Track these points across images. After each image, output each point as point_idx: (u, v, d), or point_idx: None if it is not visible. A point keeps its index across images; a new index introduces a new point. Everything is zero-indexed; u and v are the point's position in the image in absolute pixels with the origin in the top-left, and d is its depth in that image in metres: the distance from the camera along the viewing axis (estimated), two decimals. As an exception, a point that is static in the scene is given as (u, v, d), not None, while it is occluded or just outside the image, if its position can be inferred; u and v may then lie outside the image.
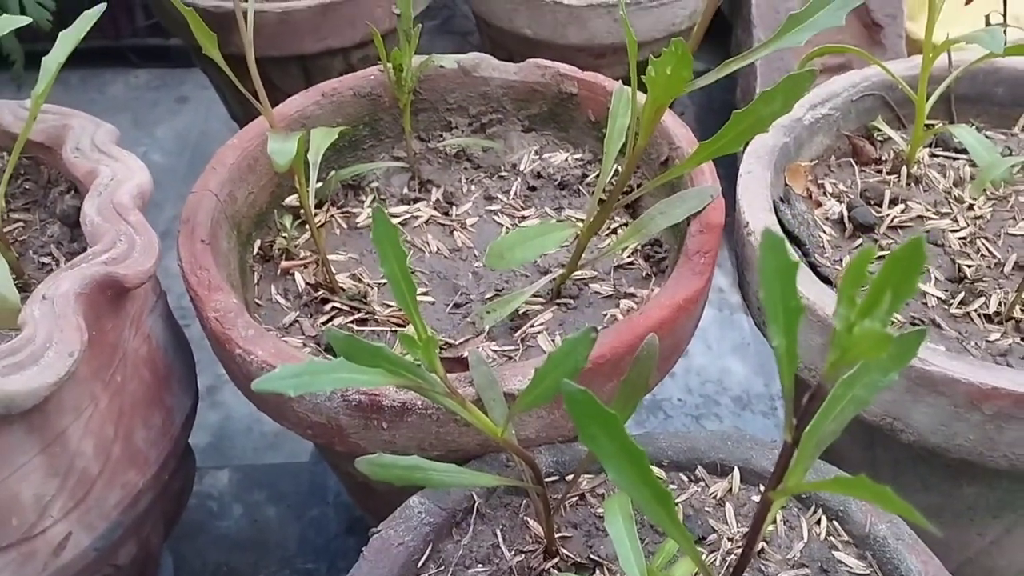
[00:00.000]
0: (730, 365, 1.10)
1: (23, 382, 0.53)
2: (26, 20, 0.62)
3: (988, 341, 0.65)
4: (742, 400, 1.07)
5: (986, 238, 0.72)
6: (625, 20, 0.61)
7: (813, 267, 0.70)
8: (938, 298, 0.68)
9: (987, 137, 0.81)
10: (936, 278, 0.70)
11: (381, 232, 0.47)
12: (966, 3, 1.01)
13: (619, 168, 0.82)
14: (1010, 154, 0.79)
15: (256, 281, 0.77)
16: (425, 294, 0.75)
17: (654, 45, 1.15)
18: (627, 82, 0.86)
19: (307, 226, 0.81)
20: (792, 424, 0.35)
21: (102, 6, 0.69)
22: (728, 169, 0.76)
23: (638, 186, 0.80)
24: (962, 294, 0.68)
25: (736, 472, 0.62)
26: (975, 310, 0.67)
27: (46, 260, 0.70)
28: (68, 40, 0.66)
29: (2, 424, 0.55)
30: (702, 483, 0.62)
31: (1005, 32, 0.97)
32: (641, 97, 0.66)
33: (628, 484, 0.40)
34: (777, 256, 0.31)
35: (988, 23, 0.99)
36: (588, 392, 0.40)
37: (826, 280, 0.70)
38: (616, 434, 0.40)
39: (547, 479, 0.62)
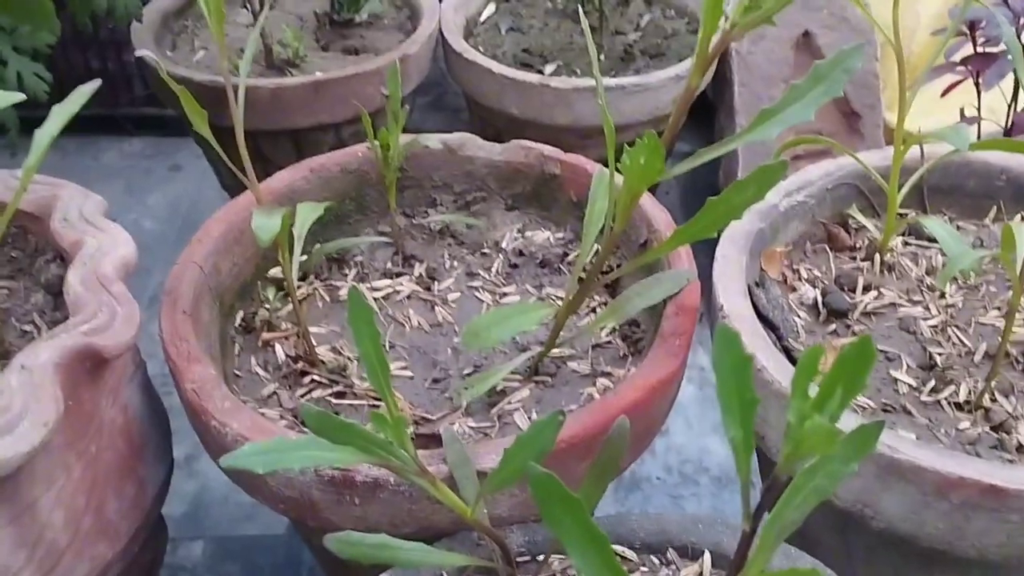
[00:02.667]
0: (710, 444, 1.10)
1: (-4, 452, 0.53)
2: (20, 97, 0.63)
3: (958, 429, 0.66)
4: (721, 480, 1.06)
5: (957, 326, 0.74)
6: (604, 109, 0.63)
7: (787, 351, 0.71)
8: (909, 385, 0.69)
9: (959, 228, 0.83)
10: (908, 365, 0.71)
11: (356, 312, 0.47)
12: (942, 95, 1.04)
13: (599, 248, 0.83)
14: (981, 245, 0.81)
15: (237, 352, 0.77)
16: (405, 368, 0.75)
17: (639, 127, 1.17)
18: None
19: (290, 298, 0.82)
20: (749, 513, 0.36)
21: (97, 82, 0.71)
22: (711, 245, 0.77)
23: (617, 266, 0.81)
24: (933, 382, 0.69)
25: (707, 556, 0.61)
26: (945, 398, 0.68)
27: (28, 328, 0.70)
28: (61, 115, 0.68)
29: (-27, 493, 0.55)
30: (673, 566, 0.62)
31: (979, 125, 1.00)
32: (620, 180, 0.67)
33: (591, 569, 0.41)
34: (732, 351, 0.32)
35: (963, 116, 1.02)
36: (553, 476, 0.40)
37: (799, 364, 0.71)
38: (580, 518, 0.40)
39: (518, 559, 0.61)
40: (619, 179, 0.69)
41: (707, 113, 1.37)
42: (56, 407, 0.56)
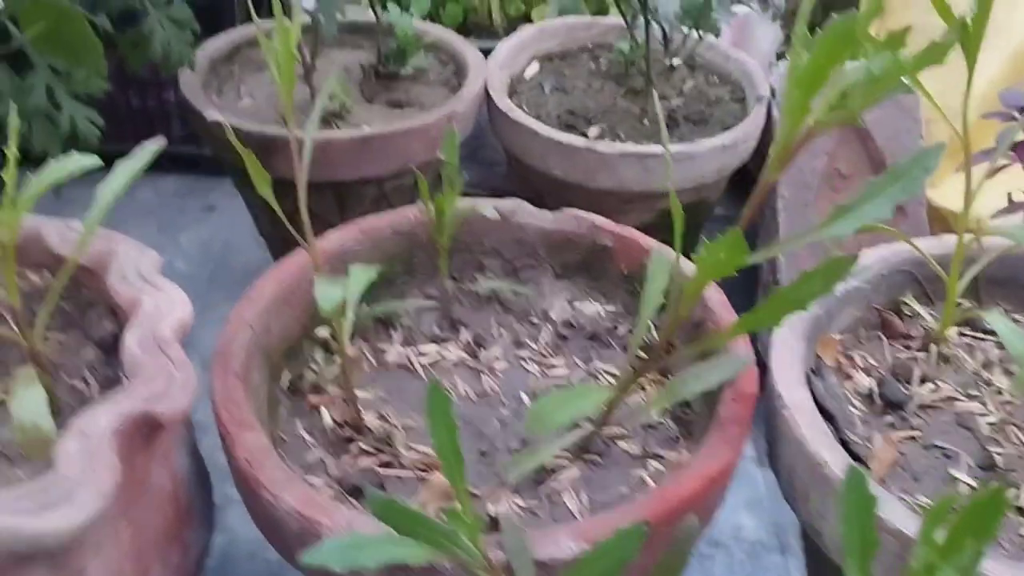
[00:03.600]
0: (743, 520, 1.09)
1: (53, 522, 0.52)
2: (97, 163, 0.63)
3: (1020, 535, 0.64)
4: (755, 559, 1.05)
5: (1016, 425, 0.72)
6: (670, 177, 0.63)
7: (844, 444, 0.70)
8: (969, 486, 0.68)
9: (1016, 321, 0.82)
10: (968, 464, 0.70)
11: (435, 403, 0.47)
12: (988, 176, 1.04)
13: (650, 325, 0.83)
14: (1039, 340, 0.80)
15: (283, 415, 0.76)
16: (451, 440, 0.74)
17: (682, 195, 1.17)
18: (649, 230, 0.88)
19: (337, 360, 0.82)
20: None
21: (162, 141, 0.71)
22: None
23: (672, 347, 0.81)
24: (993, 483, 0.67)
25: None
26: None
27: (78, 384, 0.69)
28: (125, 172, 0.68)
29: (24, 563, 0.54)
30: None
31: (1027, 210, 0.99)
32: (675, 260, 0.67)
33: None
34: (858, 492, 0.31)
35: (1011, 201, 1.02)
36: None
37: (856, 458, 0.70)
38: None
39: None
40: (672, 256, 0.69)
41: (743, 179, 1.37)
42: (113, 476, 0.56)
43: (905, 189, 0.59)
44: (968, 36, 0.69)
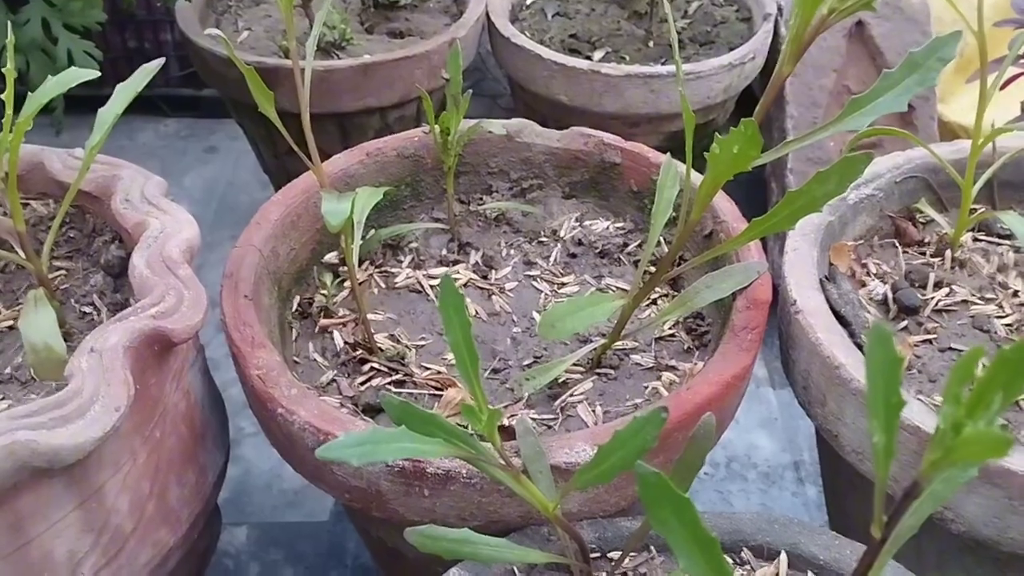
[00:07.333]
0: (757, 440, 1.09)
1: (68, 436, 0.52)
2: (94, 74, 0.62)
3: (1040, 432, 0.64)
4: (769, 476, 1.05)
5: (1033, 326, 0.72)
6: (683, 97, 0.62)
7: (860, 348, 0.70)
8: (987, 385, 0.67)
9: (1031, 224, 0.81)
10: (983, 364, 0.69)
11: (448, 300, 0.46)
12: (1000, 88, 1.02)
13: (662, 239, 0.82)
14: (1055, 242, 0.79)
15: (294, 338, 0.76)
16: (464, 358, 0.74)
17: (688, 116, 1.15)
18: (663, 151, 0.86)
19: (346, 284, 0.81)
20: (882, 521, 0.34)
21: (161, 60, 0.69)
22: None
23: (682, 259, 0.80)
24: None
25: (783, 556, 0.60)
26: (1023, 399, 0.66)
27: (87, 310, 0.69)
28: (126, 93, 0.67)
29: (43, 478, 0.54)
30: (748, 566, 0.61)
31: (1040, 119, 0.97)
32: (686, 169, 0.66)
33: (699, 573, 0.39)
34: (885, 350, 0.30)
35: (1024, 110, 1.00)
36: (662, 475, 0.39)
37: (872, 362, 0.69)
38: (689, 520, 0.39)
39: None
40: (683, 168, 0.68)
41: (749, 103, 1.35)
42: (127, 391, 0.55)
43: (921, 80, 0.57)
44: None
